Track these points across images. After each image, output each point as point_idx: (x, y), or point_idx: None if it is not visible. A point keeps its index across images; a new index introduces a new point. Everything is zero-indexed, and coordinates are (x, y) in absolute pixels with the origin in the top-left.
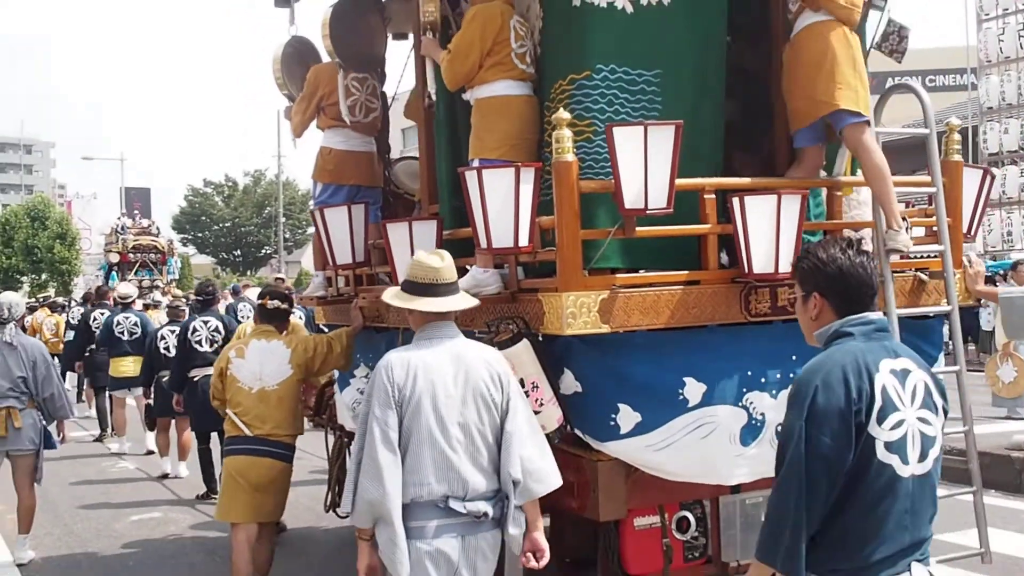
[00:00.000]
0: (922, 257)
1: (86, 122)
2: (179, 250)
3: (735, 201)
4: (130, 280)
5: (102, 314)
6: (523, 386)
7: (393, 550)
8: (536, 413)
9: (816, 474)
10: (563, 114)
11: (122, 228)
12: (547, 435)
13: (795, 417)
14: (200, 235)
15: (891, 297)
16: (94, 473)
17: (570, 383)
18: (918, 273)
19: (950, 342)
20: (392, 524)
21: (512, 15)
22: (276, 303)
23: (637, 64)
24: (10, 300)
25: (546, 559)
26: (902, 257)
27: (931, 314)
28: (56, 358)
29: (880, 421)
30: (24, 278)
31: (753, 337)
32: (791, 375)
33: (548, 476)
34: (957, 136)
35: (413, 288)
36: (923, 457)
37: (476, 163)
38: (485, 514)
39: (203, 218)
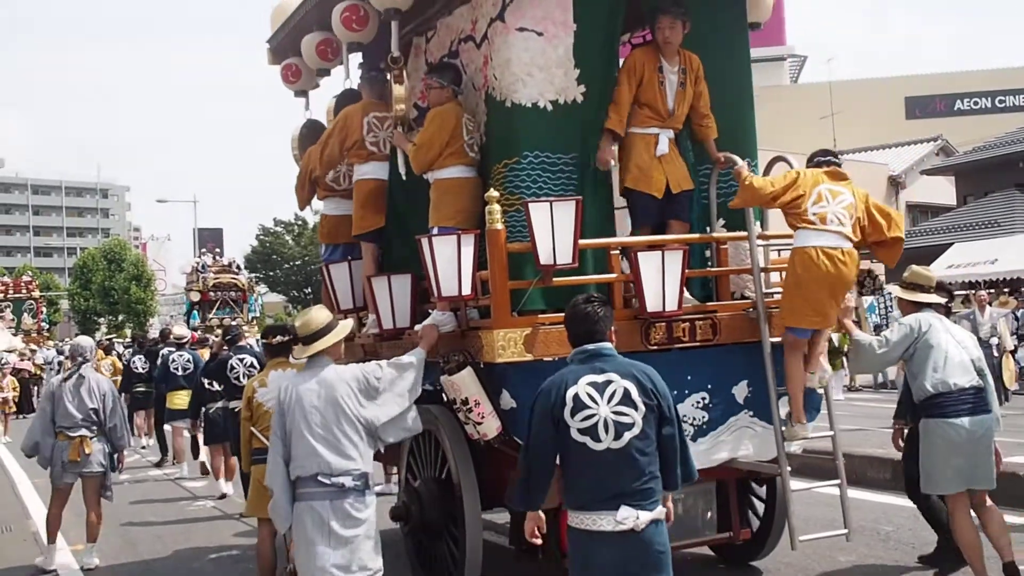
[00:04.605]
0: None
1: (160, 165)
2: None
3: (632, 256)
4: (211, 318)
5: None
6: (467, 403)
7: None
8: (478, 424)
9: (535, 448)
10: (493, 192)
11: (203, 266)
12: (488, 441)
13: (529, 414)
14: (271, 274)
15: (765, 329)
16: (155, 494)
17: (507, 400)
18: None
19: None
20: (276, 497)
21: (463, 114)
22: (279, 338)
23: (557, 149)
24: (88, 343)
25: None
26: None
27: None
28: None
29: (572, 415)
30: (101, 319)
31: (653, 362)
32: (685, 391)
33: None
34: None
35: (303, 340)
36: (618, 437)
37: (435, 230)
38: (343, 485)
39: (274, 257)
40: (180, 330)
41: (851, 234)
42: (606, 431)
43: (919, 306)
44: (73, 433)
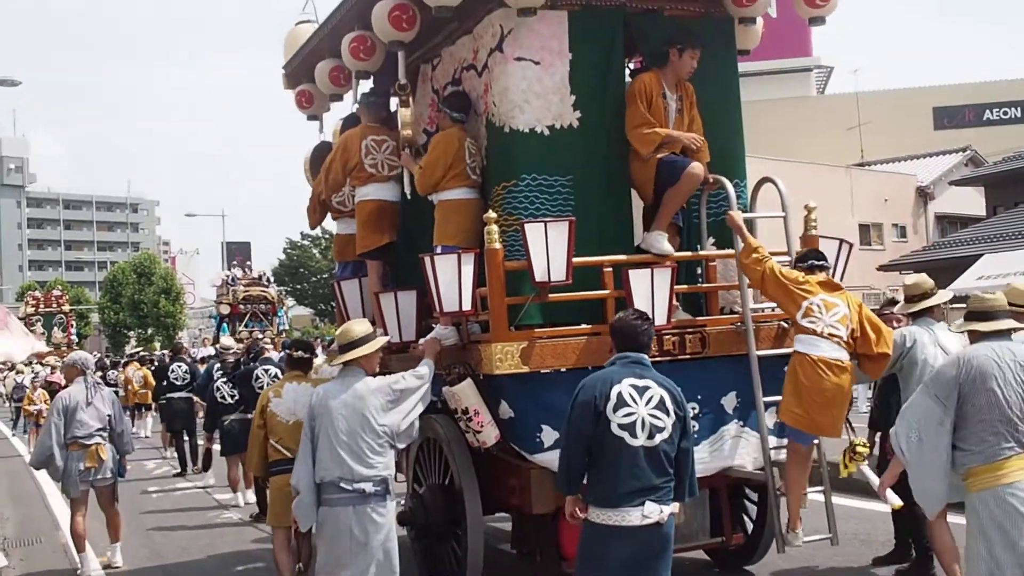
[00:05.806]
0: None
1: (188, 179)
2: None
3: (624, 273)
4: (240, 331)
5: (179, 366)
6: (467, 413)
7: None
8: (478, 433)
9: (573, 438)
10: (491, 214)
11: (233, 279)
12: (488, 448)
13: (569, 406)
14: (299, 287)
15: (752, 342)
16: (183, 503)
17: (505, 410)
18: (781, 323)
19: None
20: (301, 497)
21: (466, 139)
22: (300, 353)
23: (553, 172)
24: (89, 356)
25: None
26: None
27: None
28: (143, 408)
29: (614, 411)
30: (131, 332)
31: None
32: None
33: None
34: (814, 216)
35: (340, 348)
36: (651, 437)
37: (439, 249)
38: (363, 491)
39: (301, 270)
40: (227, 341)
41: (847, 342)
42: (642, 429)
43: (915, 316)
44: (88, 442)
